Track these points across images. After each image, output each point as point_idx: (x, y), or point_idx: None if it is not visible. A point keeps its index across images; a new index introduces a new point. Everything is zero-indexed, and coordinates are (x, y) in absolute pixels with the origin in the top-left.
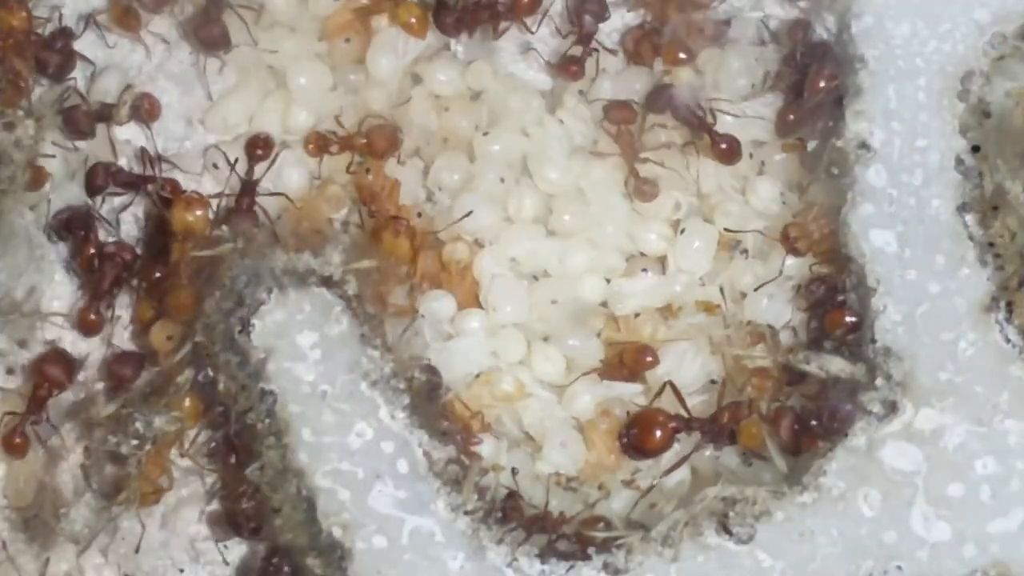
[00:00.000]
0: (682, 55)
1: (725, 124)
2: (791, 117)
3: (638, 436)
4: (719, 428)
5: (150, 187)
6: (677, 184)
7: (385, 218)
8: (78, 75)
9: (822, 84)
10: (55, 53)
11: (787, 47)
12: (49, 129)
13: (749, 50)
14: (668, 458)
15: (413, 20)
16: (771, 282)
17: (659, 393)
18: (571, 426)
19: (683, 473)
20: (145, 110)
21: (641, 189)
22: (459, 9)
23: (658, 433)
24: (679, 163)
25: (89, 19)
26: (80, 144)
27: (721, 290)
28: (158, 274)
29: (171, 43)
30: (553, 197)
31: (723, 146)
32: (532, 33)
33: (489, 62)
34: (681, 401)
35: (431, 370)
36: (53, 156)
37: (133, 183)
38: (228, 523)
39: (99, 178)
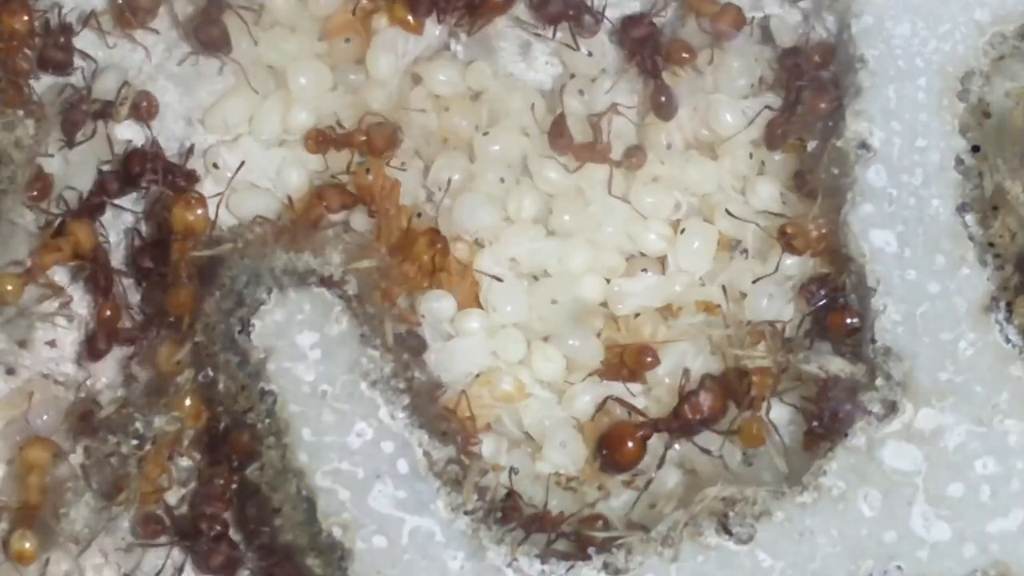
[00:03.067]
0: (685, 54)
1: (724, 122)
2: (779, 131)
3: (611, 453)
4: (683, 421)
5: (163, 176)
6: (676, 184)
7: (425, 229)
8: (78, 75)
9: (823, 106)
10: (56, 50)
11: (788, 48)
12: (50, 130)
13: (749, 50)
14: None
15: (409, 17)
16: (767, 277)
17: (600, 408)
18: (571, 426)
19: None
20: (144, 108)
21: (628, 163)
22: None
23: (629, 444)
24: (679, 163)
25: (88, 18)
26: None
27: (723, 289)
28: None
29: (170, 45)
30: (553, 197)
31: (661, 98)
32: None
33: (489, 62)
34: (633, 409)
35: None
36: (52, 155)
37: (169, 171)
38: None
39: (136, 165)
